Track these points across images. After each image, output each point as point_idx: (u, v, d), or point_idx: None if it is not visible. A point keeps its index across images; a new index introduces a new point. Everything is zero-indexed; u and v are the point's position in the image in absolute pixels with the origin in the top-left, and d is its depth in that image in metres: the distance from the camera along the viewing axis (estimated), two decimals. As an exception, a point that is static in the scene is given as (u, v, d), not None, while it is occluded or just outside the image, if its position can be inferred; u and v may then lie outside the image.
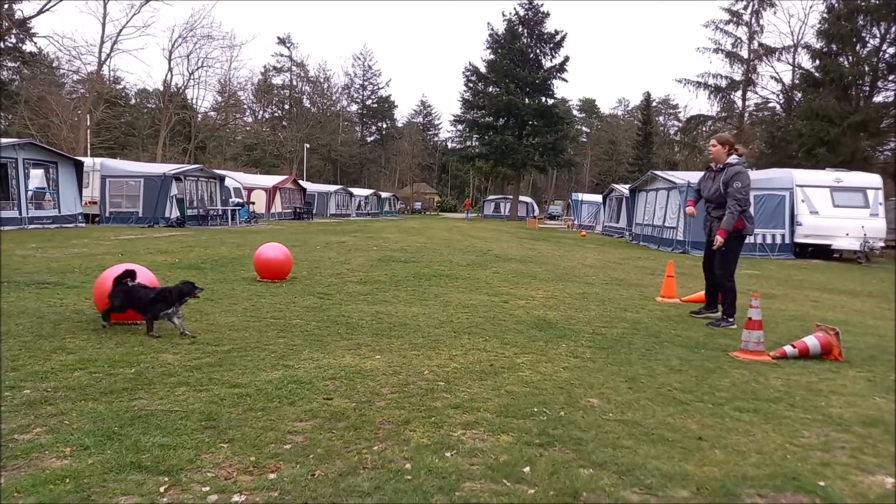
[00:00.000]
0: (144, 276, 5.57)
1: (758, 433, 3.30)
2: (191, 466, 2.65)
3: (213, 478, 2.55)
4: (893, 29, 29.32)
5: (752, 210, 6.64)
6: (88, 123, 41.83)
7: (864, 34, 30.63)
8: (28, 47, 46.24)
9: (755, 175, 20.83)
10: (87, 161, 24.30)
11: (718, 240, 6.43)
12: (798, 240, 18.46)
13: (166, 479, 2.53)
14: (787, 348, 5.06)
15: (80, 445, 2.81)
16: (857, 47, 31.02)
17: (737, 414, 3.59)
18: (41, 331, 5.06)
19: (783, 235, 18.47)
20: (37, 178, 20.66)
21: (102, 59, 44.74)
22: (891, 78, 30.51)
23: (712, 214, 6.70)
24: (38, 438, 2.89)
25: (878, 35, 30.26)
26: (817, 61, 32.85)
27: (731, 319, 6.48)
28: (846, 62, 31.16)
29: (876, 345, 5.78)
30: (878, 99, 31.31)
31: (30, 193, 19.74)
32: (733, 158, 6.53)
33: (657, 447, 3.04)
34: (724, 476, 2.74)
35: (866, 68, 30.49)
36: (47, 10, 38.28)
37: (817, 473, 2.82)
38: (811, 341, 5.07)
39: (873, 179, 19.24)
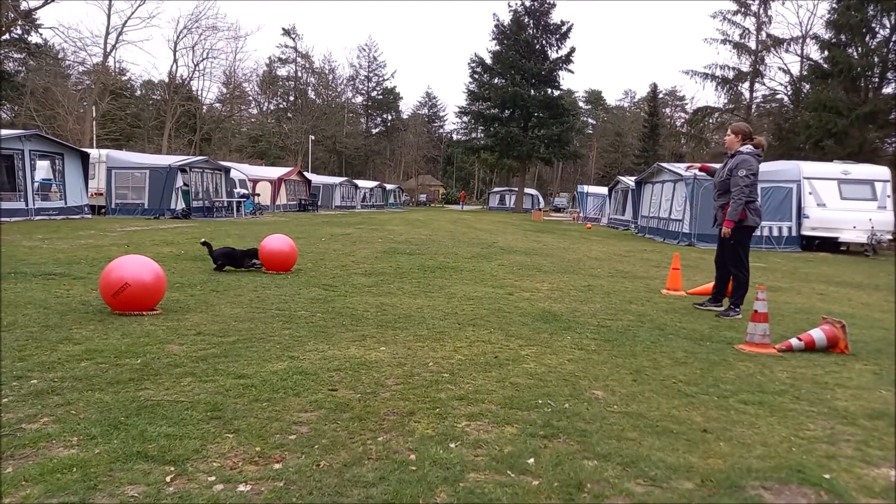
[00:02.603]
0: (149, 268, 5.59)
1: (763, 425, 3.30)
2: (196, 456, 2.66)
3: (219, 467, 2.57)
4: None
5: (758, 203, 6.53)
6: (94, 115, 41.91)
7: (873, 24, 30.28)
8: (34, 38, 46.35)
9: (763, 167, 20.73)
10: (93, 152, 24.36)
11: (725, 230, 6.41)
12: (805, 232, 18.36)
13: (172, 468, 2.54)
14: (793, 341, 5.04)
15: (86, 435, 2.83)
16: (867, 38, 30.69)
17: (742, 406, 3.59)
18: (48, 321, 5.09)
19: (790, 228, 18.38)
20: (43, 169, 20.73)
21: (108, 50, 44.85)
22: (900, 69, 30.19)
23: (717, 202, 6.66)
24: (45, 428, 2.92)
25: (889, 25, 29.91)
26: (826, 52, 32.49)
27: (737, 310, 6.44)
28: (855, 53, 30.83)
29: (882, 338, 5.76)
30: (887, 90, 30.98)
31: (36, 185, 19.80)
32: (746, 148, 6.42)
33: (662, 439, 3.04)
34: (728, 468, 2.74)
35: (876, 59, 30.15)
36: (53, 1, 38.30)
37: (822, 466, 2.81)
38: (817, 334, 5.05)
39: (882, 172, 19.08)
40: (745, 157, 6.33)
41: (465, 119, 66.95)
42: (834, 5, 31.97)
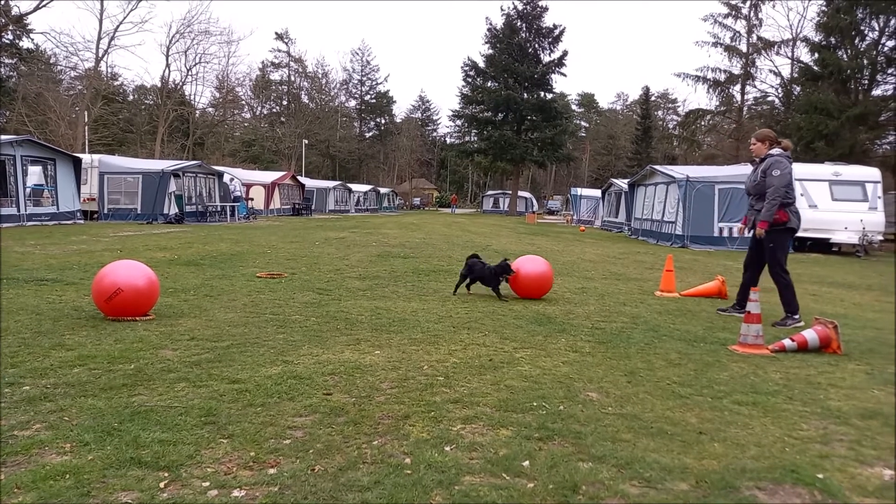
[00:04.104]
0: (142, 272, 5.57)
1: (757, 426, 3.31)
2: (190, 462, 2.65)
3: (213, 473, 2.56)
4: (892, 22, 29.25)
5: (796, 206, 6.32)
6: (86, 120, 41.70)
7: (862, 27, 30.55)
8: (25, 44, 46.14)
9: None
10: (86, 158, 24.23)
11: (759, 231, 6.25)
12: (798, 234, 18.45)
13: (166, 474, 2.53)
14: (786, 342, 5.07)
15: (79, 441, 2.81)
16: (856, 40, 30.95)
17: (736, 407, 3.60)
18: (40, 327, 5.06)
19: (782, 229, 18.44)
20: (35, 174, 20.62)
21: (100, 55, 44.67)
22: (890, 71, 30.47)
23: (755, 207, 6.47)
24: (37, 434, 2.90)
25: (877, 28, 30.19)
26: (816, 55, 32.74)
27: (796, 316, 6.18)
28: (845, 55, 31.08)
29: (874, 338, 5.79)
30: (877, 92, 31.27)
31: (28, 190, 19.69)
32: (775, 151, 6.33)
33: (656, 440, 3.05)
34: (723, 469, 2.75)
35: (865, 61, 30.41)
36: (44, 6, 38.14)
37: (816, 466, 2.82)
38: (810, 335, 5.08)
39: (872, 173, 19.22)
40: (776, 158, 6.22)
41: (459, 122, 67.25)
42: (824, 8, 32.24)
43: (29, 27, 44.72)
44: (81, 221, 21.59)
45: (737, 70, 45.12)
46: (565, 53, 55.80)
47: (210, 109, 63.26)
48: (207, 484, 2.46)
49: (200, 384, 3.70)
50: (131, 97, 65.25)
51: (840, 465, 2.84)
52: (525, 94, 55.45)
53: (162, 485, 2.44)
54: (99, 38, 43.83)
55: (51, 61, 49.81)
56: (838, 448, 3.06)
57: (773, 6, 57.25)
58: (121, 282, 5.34)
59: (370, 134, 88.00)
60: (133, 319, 5.39)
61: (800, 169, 19.26)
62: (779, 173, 6.13)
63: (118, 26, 44.76)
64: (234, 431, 2.99)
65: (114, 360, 4.16)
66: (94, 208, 23.66)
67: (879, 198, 18.56)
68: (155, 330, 5.10)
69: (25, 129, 39.48)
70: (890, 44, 29.98)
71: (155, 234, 17.07)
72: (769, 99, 45.72)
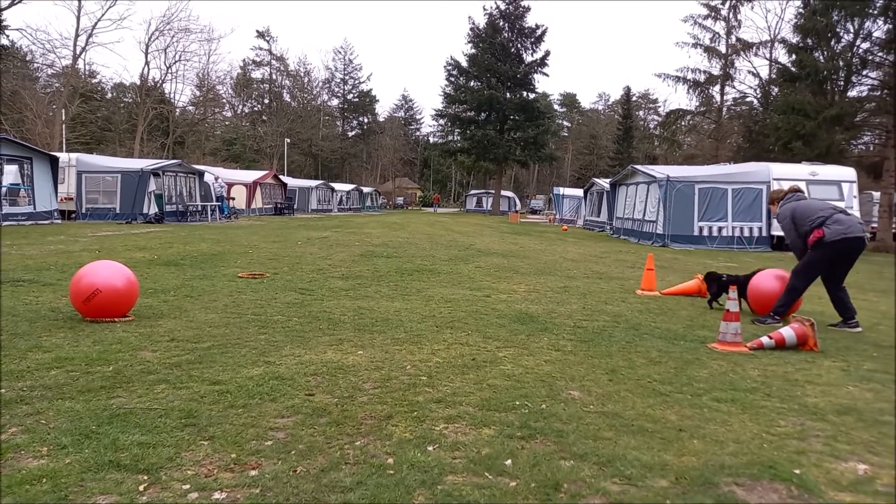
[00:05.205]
0: (121, 273, 5.49)
1: (735, 423, 3.36)
2: (171, 464, 2.62)
3: (194, 475, 2.54)
4: (866, 24, 29.80)
5: (837, 215, 6.24)
6: (64, 118, 41.01)
7: (838, 29, 31.04)
8: (0, 41, 45.23)
9: (734, 169, 21.15)
10: (63, 156, 23.84)
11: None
12: (775, 232, 18.72)
13: (145, 477, 2.50)
14: (764, 339, 5.14)
15: (57, 445, 2.77)
16: (832, 42, 31.45)
17: (715, 404, 3.65)
18: (16, 329, 4.97)
19: (760, 228, 18.73)
20: (11, 174, 20.21)
21: (77, 52, 43.93)
22: (864, 73, 31.01)
23: None
24: (13, 438, 2.85)
25: (852, 30, 30.71)
26: (793, 56, 33.23)
27: (777, 318, 6.32)
28: (821, 57, 31.57)
29: (849, 335, 5.90)
30: (852, 93, 31.79)
31: (4, 190, 19.33)
32: (780, 206, 6.63)
33: (637, 438, 3.08)
34: (702, 465, 2.78)
35: (841, 63, 30.91)
36: (19, 2, 37.46)
37: (793, 461, 2.87)
38: (787, 332, 5.16)
39: (848, 173, 19.59)
40: (778, 212, 6.62)
41: (442, 122, 67.07)
42: (801, 10, 32.77)
43: (4, 24, 43.87)
44: (59, 221, 21.24)
45: (716, 71, 45.59)
46: (547, 53, 56.01)
47: (190, 108, 62.56)
48: (188, 486, 2.44)
49: (181, 386, 3.67)
50: (110, 95, 64.28)
51: (816, 461, 2.90)
52: (507, 94, 55.58)
53: (141, 488, 2.42)
54: (77, 36, 43.13)
55: (27, 59, 48.94)
56: (814, 444, 3.11)
57: (752, 8, 58.03)
58: (99, 282, 5.27)
59: (353, 133, 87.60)
60: (112, 321, 5.32)
61: (778, 168, 19.59)
62: (780, 223, 6.61)
63: (96, 23, 44.08)
64: (215, 433, 2.97)
65: (92, 361, 4.11)
66: (72, 208, 23.28)
67: (855, 197, 18.92)
68: (134, 331, 5.04)
69: (1, 127, 38.74)
70: (864, 46, 30.53)
71: (134, 234, 16.85)
72: (748, 99, 46.28)
